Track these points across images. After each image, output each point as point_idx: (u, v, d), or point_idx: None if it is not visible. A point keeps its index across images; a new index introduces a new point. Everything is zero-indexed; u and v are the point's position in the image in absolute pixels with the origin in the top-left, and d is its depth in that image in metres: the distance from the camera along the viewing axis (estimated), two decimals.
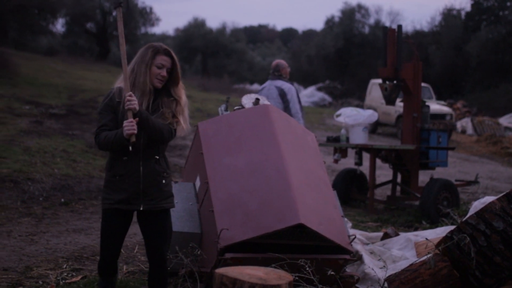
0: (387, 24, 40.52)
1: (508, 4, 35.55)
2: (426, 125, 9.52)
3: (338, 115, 9.89)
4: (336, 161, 9.83)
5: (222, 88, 34.42)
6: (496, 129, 23.38)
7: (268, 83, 8.61)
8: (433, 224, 8.28)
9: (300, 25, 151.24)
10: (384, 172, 12.15)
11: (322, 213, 4.91)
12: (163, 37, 53.62)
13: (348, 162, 12.08)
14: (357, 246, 5.98)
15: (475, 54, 32.66)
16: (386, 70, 9.35)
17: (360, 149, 9.80)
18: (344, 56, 41.93)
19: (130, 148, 3.93)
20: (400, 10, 77.08)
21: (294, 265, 4.28)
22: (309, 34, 56.74)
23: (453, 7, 39.82)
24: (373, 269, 5.37)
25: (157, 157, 4.08)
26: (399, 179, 9.96)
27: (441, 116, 20.32)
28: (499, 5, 35.80)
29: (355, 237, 5.19)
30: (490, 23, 34.80)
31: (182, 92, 4.19)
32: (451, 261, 4.31)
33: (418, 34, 37.38)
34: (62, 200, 8.85)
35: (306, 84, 40.20)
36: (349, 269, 5.38)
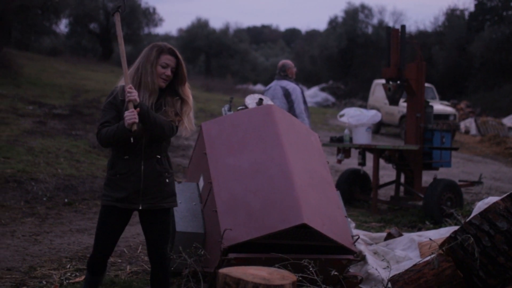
0: (391, 24, 40.51)
1: None
2: (430, 126, 9.51)
3: (342, 115, 9.88)
4: (339, 161, 9.82)
5: (226, 89, 34.45)
6: (499, 129, 23.34)
7: (274, 83, 8.68)
8: (437, 225, 8.28)
9: (303, 26, 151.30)
10: (387, 173, 12.15)
11: (326, 213, 4.90)
12: (167, 38, 53.65)
13: (352, 162, 12.07)
14: (361, 247, 5.97)
15: (478, 54, 32.60)
16: (389, 70, 9.34)
17: (363, 149, 9.79)
18: (348, 57, 41.90)
19: (132, 139, 3.92)
20: (404, 10, 77.24)
21: (297, 265, 4.27)
22: (312, 34, 56.76)
23: (457, 7, 39.78)
24: (376, 270, 5.37)
25: (159, 157, 4.08)
26: (402, 180, 9.95)
27: (444, 117, 20.29)
28: (502, 5, 35.73)
29: (359, 237, 5.19)
30: (493, 23, 34.73)
31: (189, 92, 4.20)
32: (455, 261, 4.31)
33: (422, 34, 37.33)
34: (66, 200, 8.86)
35: (309, 85, 40.18)
36: (352, 269, 5.38)
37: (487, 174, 13.90)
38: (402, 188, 10.04)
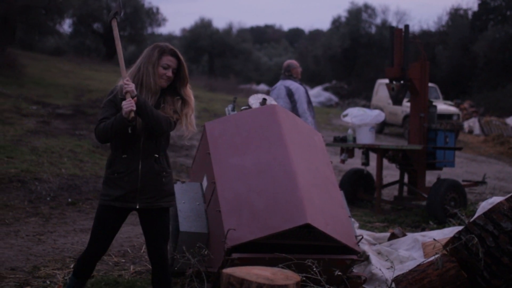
0: (394, 24, 40.47)
1: None
2: (433, 125, 9.50)
3: (345, 115, 9.87)
4: (343, 161, 9.81)
5: (229, 88, 34.44)
6: (503, 129, 23.30)
7: (279, 83, 8.79)
8: (440, 225, 8.26)
9: (307, 25, 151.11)
10: (391, 172, 12.13)
11: (329, 213, 4.90)
12: (170, 37, 53.69)
13: (355, 162, 12.07)
14: (364, 247, 5.97)
15: (482, 54, 32.54)
16: (393, 70, 9.33)
17: (367, 149, 9.78)
18: (351, 56, 41.87)
19: (130, 130, 3.92)
20: (407, 10, 76.76)
21: (301, 265, 4.27)
22: (316, 34, 56.71)
23: (460, 6, 39.82)
24: (380, 270, 5.36)
25: (157, 156, 4.06)
26: (406, 179, 9.94)
27: (448, 116, 20.27)
28: (506, 4, 35.66)
29: (362, 238, 5.19)
30: (497, 22, 34.67)
31: (191, 93, 4.20)
32: (459, 261, 4.30)
33: (425, 34, 37.30)
34: (69, 200, 8.87)
35: (312, 84, 40.15)
36: (356, 270, 5.37)
37: (491, 174, 13.88)
38: (405, 188, 10.03)
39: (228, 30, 51.14)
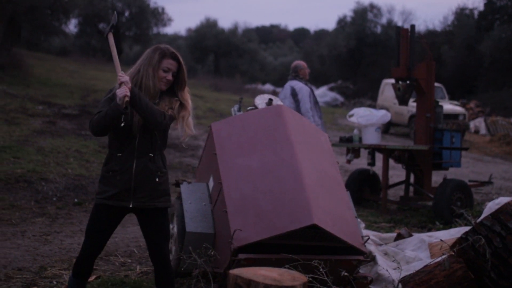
0: (400, 23, 40.39)
1: None
2: (440, 125, 9.48)
3: (351, 115, 9.87)
4: (349, 161, 9.81)
5: (234, 88, 34.46)
6: (509, 129, 23.24)
7: (286, 84, 9.02)
8: (447, 225, 8.25)
9: (312, 25, 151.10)
10: (397, 173, 12.12)
11: (336, 213, 4.89)
12: (175, 37, 53.75)
13: (361, 162, 12.06)
14: (371, 247, 5.96)
15: (488, 53, 32.44)
16: (399, 70, 9.32)
17: (373, 150, 9.78)
18: (356, 56, 41.82)
19: (123, 120, 3.92)
20: (413, 10, 76.92)
21: (307, 266, 4.27)
22: (321, 34, 56.71)
23: (466, 6, 39.71)
24: (387, 270, 5.36)
25: (152, 155, 4.04)
26: (412, 180, 9.93)
27: (454, 116, 20.23)
28: None
29: (369, 238, 5.18)
30: (503, 22, 34.56)
31: (188, 97, 4.19)
32: (466, 262, 4.29)
33: (431, 34, 37.23)
34: (76, 200, 8.89)
35: (318, 84, 40.14)
36: (362, 270, 5.36)
37: (497, 174, 13.84)
38: (411, 188, 10.01)
39: (234, 30, 51.12)
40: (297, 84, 8.79)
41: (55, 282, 5.35)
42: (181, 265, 5.04)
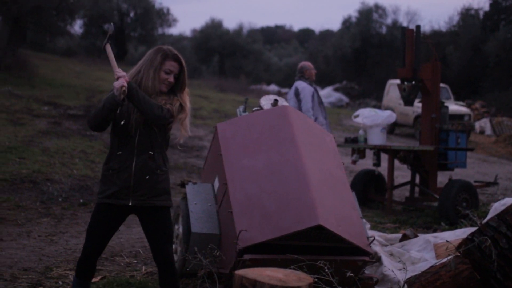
0: (405, 24, 40.31)
1: None
2: (445, 126, 9.47)
3: (356, 116, 9.86)
4: (354, 162, 9.80)
5: (239, 89, 34.46)
6: None
7: (293, 84, 9.24)
8: (452, 226, 8.23)
9: (317, 26, 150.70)
10: (402, 173, 12.10)
11: (341, 214, 4.89)
12: (180, 38, 53.79)
13: (366, 163, 12.05)
14: (376, 248, 5.95)
15: (493, 54, 32.36)
16: (404, 70, 9.31)
17: (378, 150, 9.77)
18: (361, 57, 41.76)
19: (122, 122, 3.95)
20: (418, 10, 76.76)
21: (313, 267, 4.26)
22: (326, 34, 56.65)
23: (471, 6, 39.51)
24: (392, 271, 5.35)
25: (151, 153, 4.03)
26: (417, 180, 9.91)
27: (459, 117, 20.20)
28: None
29: (374, 239, 5.17)
30: (508, 22, 34.48)
31: (187, 99, 4.18)
32: (472, 263, 4.28)
33: (436, 34, 37.12)
34: (81, 200, 8.91)
35: (323, 85, 40.10)
36: (368, 271, 5.36)
37: (503, 174, 13.82)
38: (417, 189, 10.00)
39: (239, 31, 51.15)
40: (300, 84, 8.97)
41: (60, 283, 5.36)
42: (187, 265, 5.04)
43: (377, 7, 43.07)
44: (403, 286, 4.57)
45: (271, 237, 4.59)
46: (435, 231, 8.01)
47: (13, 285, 5.24)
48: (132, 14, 39.54)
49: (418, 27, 9.42)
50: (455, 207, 8.67)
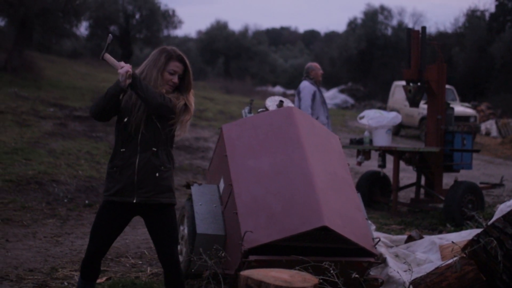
0: (410, 25, 40.30)
1: None
2: (451, 127, 9.45)
3: (362, 117, 9.85)
4: (359, 163, 9.79)
5: (245, 90, 34.50)
6: None
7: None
8: (458, 227, 8.21)
9: (323, 27, 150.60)
10: (407, 175, 12.08)
11: (346, 215, 4.89)
12: (186, 40, 53.82)
13: (372, 164, 12.03)
14: (381, 249, 5.95)
15: (499, 55, 32.29)
16: (410, 72, 9.30)
17: (383, 152, 9.75)
18: (367, 58, 41.73)
19: (126, 119, 3.98)
20: (423, 12, 76.69)
21: (318, 268, 4.26)
22: (332, 36, 56.57)
23: (477, 8, 39.35)
24: (397, 272, 5.34)
25: (155, 149, 4.02)
26: (423, 182, 9.90)
27: (465, 118, 20.17)
28: None
29: (379, 240, 5.17)
30: None
31: (193, 100, 4.18)
32: (478, 264, 4.27)
33: (442, 36, 37.05)
34: (86, 201, 8.92)
35: (328, 86, 40.08)
36: (373, 272, 5.35)
37: (509, 176, 13.76)
38: (422, 191, 9.98)
39: (244, 32, 51.21)
40: (303, 84, 9.19)
41: (66, 283, 5.37)
42: (192, 266, 5.05)
43: (382, 8, 43.05)
44: (409, 287, 4.57)
45: (276, 238, 4.59)
46: (440, 232, 7.99)
47: (19, 285, 5.26)
48: (137, 16, 39.53)
49: (423, 28, 9.40)
50: (461, 208, 8.65)
